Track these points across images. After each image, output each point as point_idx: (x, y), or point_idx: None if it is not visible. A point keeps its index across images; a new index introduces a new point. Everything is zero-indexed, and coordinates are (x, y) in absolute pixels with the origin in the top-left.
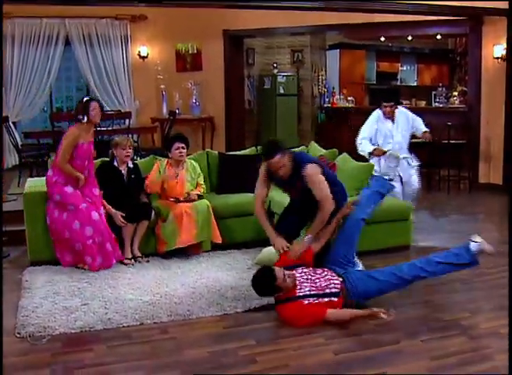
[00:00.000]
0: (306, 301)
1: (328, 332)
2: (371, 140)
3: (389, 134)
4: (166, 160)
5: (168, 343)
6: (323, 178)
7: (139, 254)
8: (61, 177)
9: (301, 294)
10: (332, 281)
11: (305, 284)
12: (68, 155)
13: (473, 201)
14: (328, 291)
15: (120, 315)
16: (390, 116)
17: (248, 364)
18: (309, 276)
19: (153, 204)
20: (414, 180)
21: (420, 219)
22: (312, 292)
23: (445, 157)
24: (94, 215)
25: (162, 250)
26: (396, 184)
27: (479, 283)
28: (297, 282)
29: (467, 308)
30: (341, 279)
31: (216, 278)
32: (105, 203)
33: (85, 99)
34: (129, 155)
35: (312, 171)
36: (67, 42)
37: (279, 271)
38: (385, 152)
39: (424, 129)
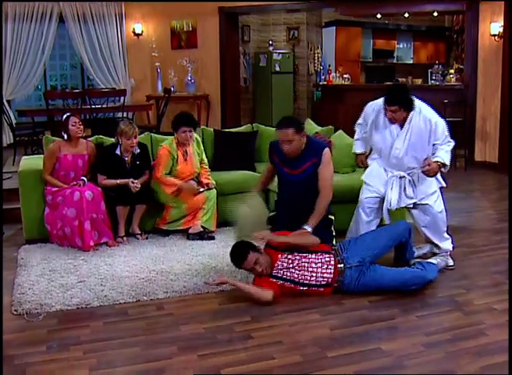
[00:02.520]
0: (280, 282)
1: (325, 308)
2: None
3: (389, 143)
4: (173, 140)
5: (165, 319)
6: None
7: (138, 231)
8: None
9: (278, 275)
10: (320, 273)
11: (284, 270)
12: (48, 166)
13: (469, 178)
14: (307, 282)
15: (116, 292)
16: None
17: (244, 340)
18: (292, 265)
19: (163, 194)
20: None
21: None
22: (288, 277)
23: None
24: (76, 195)
25: (162, 227)
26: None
27: (474, 259)
28: (276, 263)
29: (461, 284)
30: (340, 266)
31: (212, 255)
32: (111, 181)
33: (65, 116)
34: (133, 146)
35: (329, 154)
36: (61, 20)
37: (252, 256)
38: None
39: (439, 157)
